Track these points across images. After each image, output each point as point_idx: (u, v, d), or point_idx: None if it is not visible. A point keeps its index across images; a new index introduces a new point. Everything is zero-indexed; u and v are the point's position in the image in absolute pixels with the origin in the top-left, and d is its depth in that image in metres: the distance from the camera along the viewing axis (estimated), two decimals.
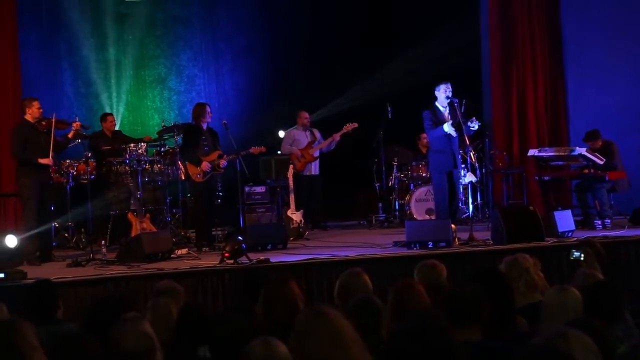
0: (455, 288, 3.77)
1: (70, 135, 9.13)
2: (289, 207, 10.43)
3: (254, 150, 10.01)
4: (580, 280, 4.52)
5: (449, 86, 9.42)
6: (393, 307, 4.05)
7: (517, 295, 4.62)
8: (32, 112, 8.78)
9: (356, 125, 11.27)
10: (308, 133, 11.51)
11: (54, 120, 8.77)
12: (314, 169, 11.42)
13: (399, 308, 4.01)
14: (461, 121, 9.23)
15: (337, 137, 11.32)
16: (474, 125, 9.31)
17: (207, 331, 3.63)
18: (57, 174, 9.86)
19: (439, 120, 9.45)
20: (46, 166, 8.87)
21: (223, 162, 9.62)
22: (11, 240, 7.69)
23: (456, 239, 8.56)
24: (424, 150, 11.61)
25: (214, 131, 9.83)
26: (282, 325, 3.97)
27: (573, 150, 10.19)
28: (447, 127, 9.27)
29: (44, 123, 8.78)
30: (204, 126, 9.62)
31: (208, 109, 9.61)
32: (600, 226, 9.73)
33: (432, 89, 9.59)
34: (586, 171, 10.11)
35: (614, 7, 12.11)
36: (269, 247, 8.97)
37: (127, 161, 10.30)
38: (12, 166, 9.89)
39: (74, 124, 9.07)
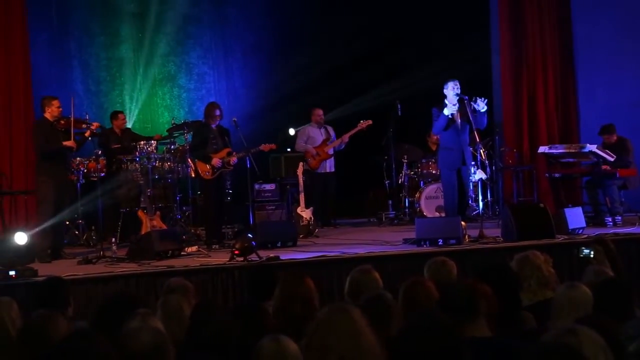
0: (450, 284, 3.78)
1: (87, 134, 9.20)
2: (298, 205, 10.43)
3: (264, 147, 10.01)
4: (590, 278, 4.51)
5: (457, 83, 9.40)
6: (404, 305, 4.05)
7: (528, 293, 4.62)
8: (51, 111, 8.87)
9: (370, 122, 11.29)
10: (322, 130, 11.52)
11: (72, 119, 8.86)
12: (329, 166, 11.42)
13: (410, 305, 4.02)
14: (471, 117, 9.21)
15: (351, 133, 11.33)
16: (484, 107, 9.25)
17: (219, 329, 3.63)
18: (67, 171, 9.89)
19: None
20: (64, 165, 8.99)
21: (233, 160, 9.64)
22: (21, 238, 7.71)
23: (466, 236, 8.54)
24: (434, 148, 11.59)
25: (224, 128, 9.83)
26: (297, 322, 3.98)
27: (583, 147, 10.16)
28: (448, 110, 9.26)
29: (62, 122, 8.87)
30: (214, 125, 9.65)
31: (217, 112, 9.61)
32: (611, 223, 9.70)
33: (442, 86, 9.56)
34: (597, 168, 10.07)
35: (623, 5, 12.07)
36: (278, 244, 8.97)
37: (137, 159, 10.33)
38: (23, 164, 9.97)
39: (93, 124, 9.17)
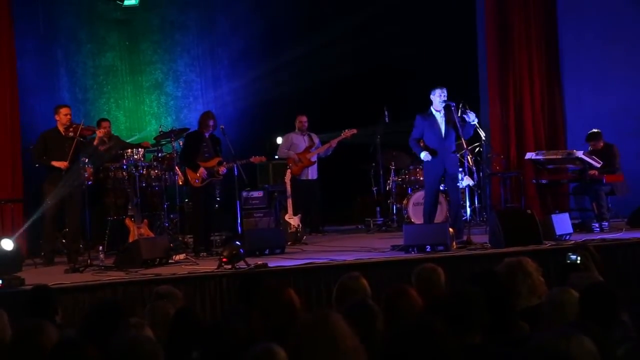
0: (456, 294, 3.75)
1: (95, 142, 9.52)
2: (286, 212, 10.43)
3: (255, 159, 10.13)
4: (577, 283, 4.51)
5: (444, 91, 9.40)
6: (386, 312, 4.05)
7: (519, 299, 4.60)
8: (59, 119, 9.28)
9: (355, 131, 11.28)
10: (306, 137, 11.52)
11: (80, 127, 9.15)
12: (312, 173, 11.41)
13: (392, 313, 4.01)
14: (458, 124, 9.24)
15: (334, 143, 11.34)
16: (474, 119, 9.28)
17: (203, 336, 3.62)
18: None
19: (428, 129, 9.44)
20: (68, 172, 9.13)
21: (222, 169, 9.64)
22: (7, 244, 7.66)
23: (454, 243, 8.56)
24: None
25: (217, 138, 9.83)
26: (278, 332, 3.96)
27: (570, 153, 10.20)
28: (424, 155, 9.32)
29: (72, 129, 9.15)
30: (207, 134, 9.64)
31: (210, 122, 9.57)
32: (598, 229, 9.73)
33: (428, 93, 9.57)
34: (584, 174, 10.11)
35: (610, 11, 12.15)
36: (266, 252, 8.96)
37: (125, 167, 10.29)
38: (9, 172, 9.96)
39: (98, 132, 9.61)
